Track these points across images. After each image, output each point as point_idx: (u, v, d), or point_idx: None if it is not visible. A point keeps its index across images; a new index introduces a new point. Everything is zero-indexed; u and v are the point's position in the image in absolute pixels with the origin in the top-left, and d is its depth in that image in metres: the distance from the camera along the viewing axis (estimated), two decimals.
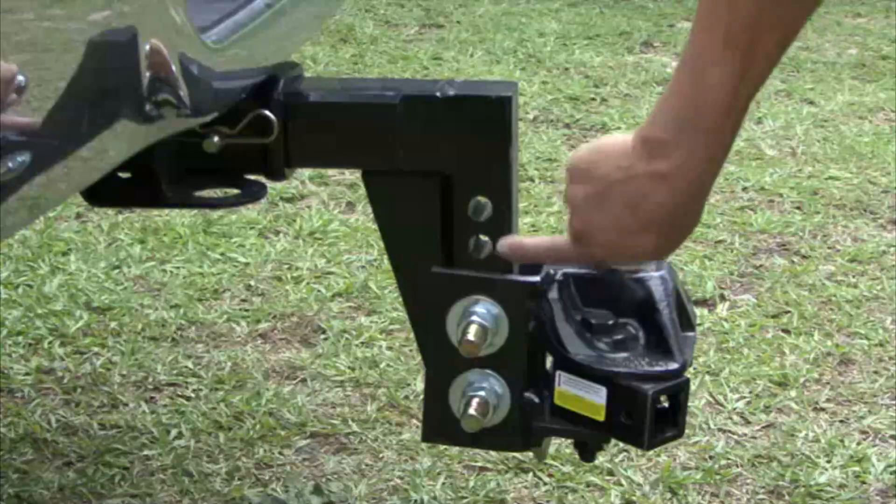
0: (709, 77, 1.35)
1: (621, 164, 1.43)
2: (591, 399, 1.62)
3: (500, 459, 2.39)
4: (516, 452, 2.31)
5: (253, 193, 1.81)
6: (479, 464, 2.39)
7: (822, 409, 2.62)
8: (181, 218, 3.31)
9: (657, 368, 1.62)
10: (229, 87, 1.64)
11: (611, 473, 2.38)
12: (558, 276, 1.66)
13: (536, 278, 1.67)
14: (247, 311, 2.93)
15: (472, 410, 1.68)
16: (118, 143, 1.41)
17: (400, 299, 1.83)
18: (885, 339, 2.87)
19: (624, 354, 1.63)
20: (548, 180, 3.72)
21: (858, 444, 2.50)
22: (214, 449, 2.43)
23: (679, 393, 1.63)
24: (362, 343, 2.80)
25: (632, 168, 1.42)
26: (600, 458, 2.36)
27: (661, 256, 1.54)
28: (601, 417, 1.63)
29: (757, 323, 2.92)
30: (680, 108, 1.38)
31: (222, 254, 3.18)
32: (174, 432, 2.47)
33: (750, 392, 2.65)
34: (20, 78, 1.19)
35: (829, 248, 3.32)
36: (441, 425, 1.73)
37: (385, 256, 1.91)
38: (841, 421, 2.58)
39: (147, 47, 1.39)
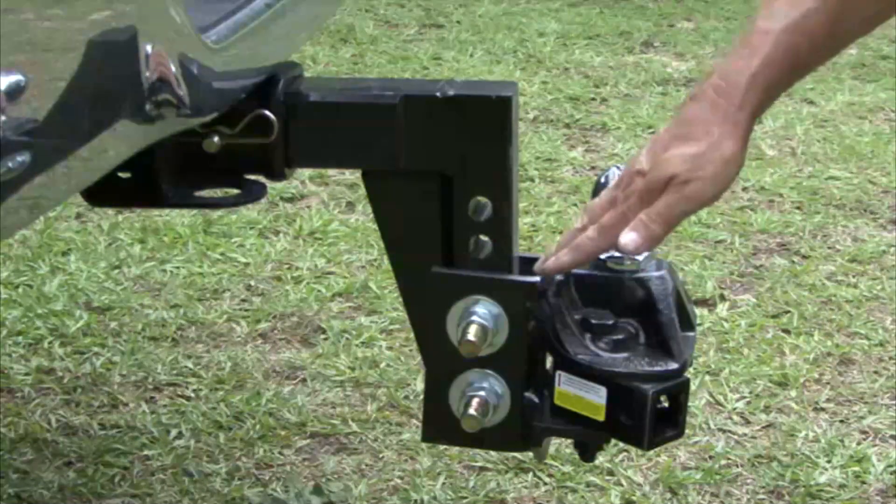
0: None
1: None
2: (591, 399, 1.62)
3: (500, 459, 2.39)
4: (516, 452, 2.31)
5: (253, 193, 1.81)
6: (479, 464, 2.39)
7: (822, 409, 2.62)
8: (181, 218, 3.30)
9: (657, 368, 1.61)
10: (229, 86, 1.64)
11: (611, 473, 2.38)
12: (558, 276, 1.66)
13: (536, 278, 1.67)
14: (247, 311, 2.93)
15: (472, 410, 1.68)
16: (118, 143, 1.41)
17: (400, 299, 1.82)
18: (885, 339, 2.87)
19: (624, 354, 1.62)
20: (548, 180, 3.71)
21: (858, 444, 2.50)
22: (214, 449, 2.43)
23: (679, 393, 1.63)
24: (362, 343, 2.80)
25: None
26: (600, 458, 2.36)
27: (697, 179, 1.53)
28: (601, 417, 1.62)
29: (757, 323, 2.92)
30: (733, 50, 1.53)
31: (222, 254, 3.18)
32: (174, 432, 2.47)
33: (750, 392, 2.65)
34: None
35: (829, 248, 3.32)
36: (441, 425, 1.73)
37: (385, 256, 1.91)
38: (841, 421, 2.58)
39: (147, 47, 1.39)
